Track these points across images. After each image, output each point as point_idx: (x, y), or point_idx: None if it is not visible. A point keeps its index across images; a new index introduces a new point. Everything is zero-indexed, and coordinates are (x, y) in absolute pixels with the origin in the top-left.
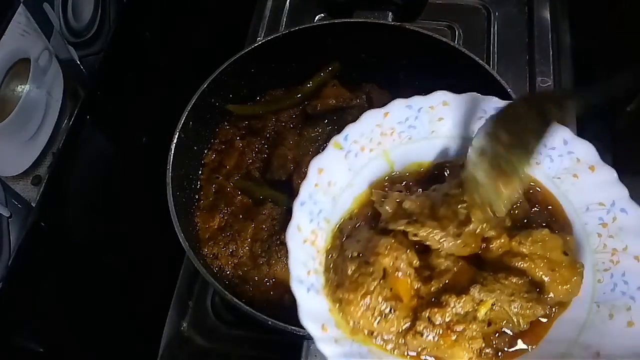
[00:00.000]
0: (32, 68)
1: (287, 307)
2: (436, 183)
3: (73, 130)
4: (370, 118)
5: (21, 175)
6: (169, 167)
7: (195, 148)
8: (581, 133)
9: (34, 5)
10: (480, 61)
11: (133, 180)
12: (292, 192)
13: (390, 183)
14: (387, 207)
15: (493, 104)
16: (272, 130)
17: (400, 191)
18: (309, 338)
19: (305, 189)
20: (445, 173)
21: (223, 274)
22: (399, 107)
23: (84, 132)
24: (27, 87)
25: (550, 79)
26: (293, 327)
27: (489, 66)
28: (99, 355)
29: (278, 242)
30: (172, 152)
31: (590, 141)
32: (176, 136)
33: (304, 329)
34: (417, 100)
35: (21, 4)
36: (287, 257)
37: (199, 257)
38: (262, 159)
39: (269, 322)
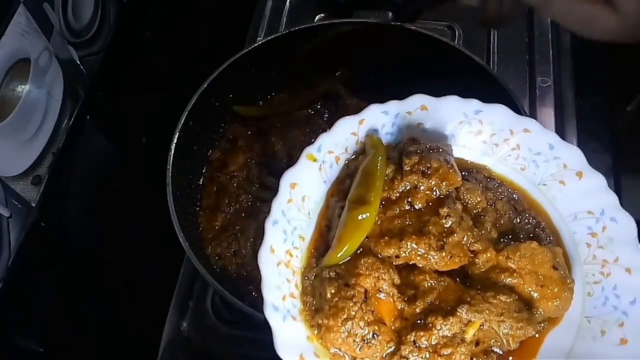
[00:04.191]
0: (32, 68)
1: None
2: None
3: (73, 130)
4: (345, 126)
5: (21, 175)
6: (169, 167)
7: (195, 148)
8: (580, 133)
9: (34, 5)
10: (480, 61)
11: (133, 180)
12: None
13: None
14: None
15: (473, 107)
16: (277, 131)
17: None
18: None
19: (277, 206)
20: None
21: (226, 274)
22: (374, 114)
23: (84, 132)
24: (27, 87)
25: (550, 79)
26: None
27: (489, 66)
28: (98, 355)
29: None
30: (172, 152)
31: (589, 141)
32: (176, 136)
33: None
34: (393, 106)
35: (21, 4)
36: None
37: (199, 257)
38: (263, 160)
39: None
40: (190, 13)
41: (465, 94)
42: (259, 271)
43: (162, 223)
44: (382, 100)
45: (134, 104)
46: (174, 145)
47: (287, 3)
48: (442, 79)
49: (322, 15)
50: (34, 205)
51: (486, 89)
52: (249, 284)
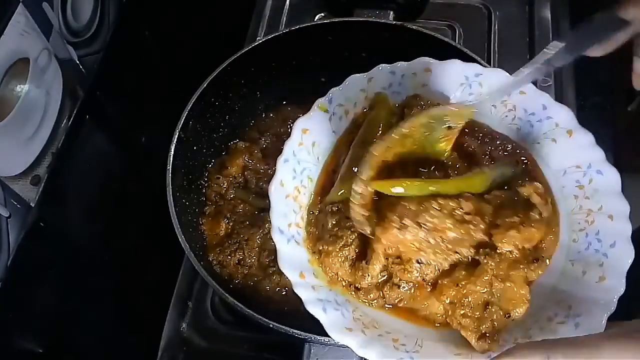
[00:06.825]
0: (31, 68)
1: (305, 318)
2: None
3: (72, 130)
4: (355, 82)
5: (20, 175)
6: (169, 167)
7: (195, 148)
8: None
9: (33, 4)
10: (481, 60)
11: (133, 180)
12: None
13: None
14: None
15: (474, 70)
16: (271, 137)
17: None
18: (310, 341)
19: (289, 147)
20: None
21: (232, 283)
22: (382, 73)
23: (83, 131)
24: (26, 86)
25: (550, 78)
26: (295, 331)
27: (490, 65)
28: (98, 355)
29: None
30: (172, 152)
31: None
32: (176, 136)
33: (306, 332)
34: (400, 66)
35: (20, 4)
36: None
37: (199, 259)
38: (259, 168)
39: (271, 325)
40: (190, 13)
41: None
42: (268, 281)
43: (162, 223)
44: None
45: (134, 103)
46: (174, 145)
47: (287, 2)
48: None
49: (322, 14)
50: (33, 205)
51: None
52: (257, 294)
